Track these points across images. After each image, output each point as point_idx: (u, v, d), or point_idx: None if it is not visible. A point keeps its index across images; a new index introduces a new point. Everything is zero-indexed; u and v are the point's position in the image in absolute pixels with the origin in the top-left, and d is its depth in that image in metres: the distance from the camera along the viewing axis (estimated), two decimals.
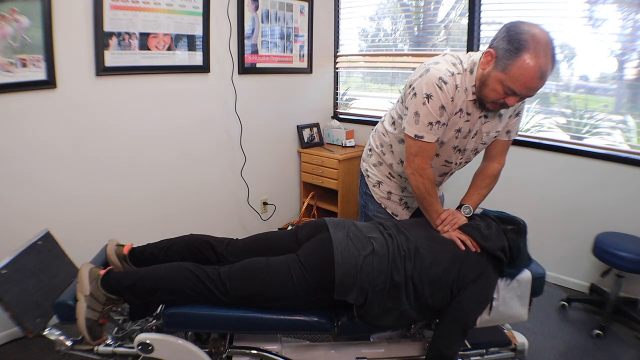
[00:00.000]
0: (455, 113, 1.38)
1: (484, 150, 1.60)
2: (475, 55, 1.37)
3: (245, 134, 2.79)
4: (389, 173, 1.67)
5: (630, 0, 2.30)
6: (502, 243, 1.31)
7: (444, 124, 1.38)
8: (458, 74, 1.35)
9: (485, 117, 1.43)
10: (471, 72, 1.34)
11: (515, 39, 1.19)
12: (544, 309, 2.36)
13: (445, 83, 1.32)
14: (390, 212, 1.70)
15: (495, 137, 1.51)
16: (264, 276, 1.27)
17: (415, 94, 1.36)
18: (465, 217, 1.47)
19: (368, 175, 1.72)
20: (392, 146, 1.61)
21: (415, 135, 1.39)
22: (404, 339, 1.53)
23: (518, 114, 1.49)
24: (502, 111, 1.43)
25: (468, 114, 1.40)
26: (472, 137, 1.48)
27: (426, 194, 1.46)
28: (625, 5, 2.33)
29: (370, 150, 1.73)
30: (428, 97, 1.33)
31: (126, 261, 1.42)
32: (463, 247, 1.32)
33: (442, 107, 1.34)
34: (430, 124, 1.36)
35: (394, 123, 1.57)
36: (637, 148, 2.38)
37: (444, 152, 1.51)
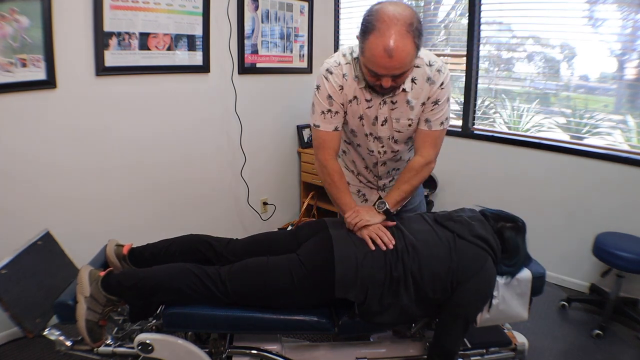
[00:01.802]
0: (350, 101, 1.42)
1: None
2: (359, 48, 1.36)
3: (245, 134, 2.79)
4: (345, 165, 1.70)
5: (630, 0, 2.30)
6: (481, 232, 1.30)
7: (336, 112, 1.42)
8: (346, 63, 1.39)
9: (393, 102, 1.42)
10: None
11: (364, 22, 1.23)
12: (544, 309, 2.36)
13: (331, 73, 1.39)
14: None
15: (410, 125, 1.46)
16: (264, 276, 1.27)
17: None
18: (379, 212, 1.39)
19: None
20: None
21: (314, 124, 1.46)
22: (404, 339, 1.53)
23: (436, 103, 1.41)
24: (411, 98, 1.40)
25: (367, 100, 1.42)
26: (382, 125, 1.47)
27: (333, 185, 1.48)
28: (625, 5, 2.33)
29: None
30: (317, 87, 1.43)
31: (126, 261, 1.42)
32: (373, 247, 1.28)
33: (329, 96, 1.40)
34: (323, 112, 1.42)
35: None
36: (637, 148, 2.38)
37: (360, 140, 1.54)
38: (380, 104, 1.42)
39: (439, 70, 1.38)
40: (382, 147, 1.55)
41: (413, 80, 1.38)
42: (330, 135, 1.45)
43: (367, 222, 1.35)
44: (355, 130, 1.51)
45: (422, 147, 1.48)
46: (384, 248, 1.28)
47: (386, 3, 1.22)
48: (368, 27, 1.20)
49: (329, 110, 1.42)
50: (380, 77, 1.26)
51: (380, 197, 1.68)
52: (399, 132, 1.49)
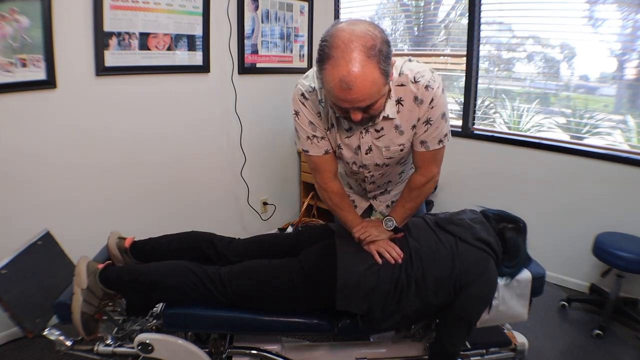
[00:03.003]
0: (329, 129, 1.30)
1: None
2: None
3: (245, 134, 2.79)
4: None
5: (630, 0, 2.30)
6: (483, 235, 1.30)
7: (322, 137, 1.31)
8: (320, 88, 1.23)
9: (377, 131, 1.28)
10: None
11: (319, 49, 1.06)
12: (544, 309, 2.36)
13: (306, 99, 1.27)
14: None
15: (403, 149, 1.33)
16: (265, 279, 1.27)
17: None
18: (387, 230, 1.36)
19: None
20: None
21: (303, 150, 1.36)
22: (404, 339, 1.53)
23: (428, 122, 1.26)
24: (399, 122, 1.26)
25: (346, 129, 1.29)
26: (367, 153, 1.34)
27: (335, 207, 1.42)
28: (625, 5, 2.33)
29: None
30: (296, 113, 1.30)
31: (127, 254, 1.42)
32: (380, 261, 1.26)
33: (311, 122, 1.29)
34: (309, 138, 1.31)
35: None
36: (637, 148, 2.38)
37: (345, 165, 1.44)
38: (361, 133, 1.28)
39: (427, 87, 1.19)
40: (369, 172, 1.43)
41: (399, 102, 1.22)
42: (322, 159, 1.35)
43: (376, 237, 1.31)
44: (337, 156, 1.39)
45: (422, 167, 1.37)
46: (393, 262, 1.26)
47: (343, 24, 1.05)
48: (322, 56, 1.04)
49: (314, 136, 1.31)
50: (347, 110, 1.10)
51: (371, 206, 1.62)
52: (390, 158, 1.36)
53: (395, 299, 1.24)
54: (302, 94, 1.27)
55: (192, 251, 1.42)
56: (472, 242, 1.28)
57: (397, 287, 1.24)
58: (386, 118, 1.23)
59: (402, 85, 1.21)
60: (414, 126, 1.28)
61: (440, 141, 1.30)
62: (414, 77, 1.20)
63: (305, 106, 1.27)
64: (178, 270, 1.27)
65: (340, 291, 1.22)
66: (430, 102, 1.22)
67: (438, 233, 1.34)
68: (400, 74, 1.20)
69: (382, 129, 1.27)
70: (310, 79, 1.28)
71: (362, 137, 1.30)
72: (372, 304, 1.23)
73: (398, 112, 1.24)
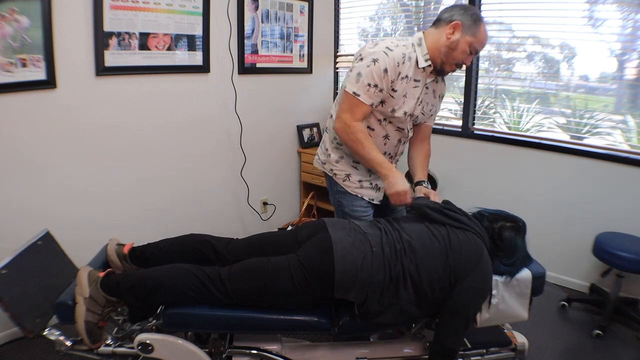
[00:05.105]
0: (403, 78, 1.55)
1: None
2: (414, 37, 1.60)
3: (245, 134, 2.79)
4: (353, 162, 1.72)
5: (630, 0, 2.30)
6: (468, 222, 1.34)
7: (380, 90, 1.53)
8: (404, 46, 1.56)
9: (426, 87, 1.64)
10: (419, 45, 1.57)
11: (473, 14, 1.52)
12: (544, 309, 2.36)
13: (391, 50, 1.52)
14: (367, 200, 1.74)
15: (431, 110, 1.73)
16: (264, 276, 1.27)
17: (362, 59, 1.54)
18: (426, 188, 1.71)
19: (335, 174, 1.76)
20: None
21: (354, 93, 1.54)
22: (404, 339, 1.53)
23: (441, 98, 1.77)
24: (435, 89, 1.69)
25: (416, 80, 1.59)
26: (419, 104, 1.65)
27: (359, 144, 1.57)
28: (625, 5, 2.33)
29: (326, 150, 1.78)
30: (375, 60, 1.51)
31: (126, 261, 1.42)
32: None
33: (385, 70, 1.51)
34: (369, 85, 1.52)
35: None
36: (637, 148, 2.38)
37: (397, 118, 1.63)
38: (423, 87, 1.62)
39: None
40: (409, 126, 1.71)
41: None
42: (364, 106, 1.56)
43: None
44: (395, 108, 1.60)
45: (427, 138, 1.82)
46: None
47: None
48: (478, 18, 1.51)
49: (376, 85, 1.52)
50: (473, 54, 1.56)
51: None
52: (422, 114, 1.69)
53: (391, 290, 1.25)
54: (387, 47, 1.52)
55: (191, 254, 1.42)
56: (463, 226, 1.33)
57: (392, 278, 1.25)
58: (435, 81, 1.67)
59: None
60: (439, 96, 1.74)
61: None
62: None
63: (387, 56, 1.51)
64: (177, 273, 1.28)
65: (339, 283, 1.24)
66: (444, 84, 1.74)
67: (430, 226, 1.36)
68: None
69: (428, 87, 1.65)
70: (388, 44, 1.54)
71: (422, 90, 1.63)
72: (368, 295, 1.24)
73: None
